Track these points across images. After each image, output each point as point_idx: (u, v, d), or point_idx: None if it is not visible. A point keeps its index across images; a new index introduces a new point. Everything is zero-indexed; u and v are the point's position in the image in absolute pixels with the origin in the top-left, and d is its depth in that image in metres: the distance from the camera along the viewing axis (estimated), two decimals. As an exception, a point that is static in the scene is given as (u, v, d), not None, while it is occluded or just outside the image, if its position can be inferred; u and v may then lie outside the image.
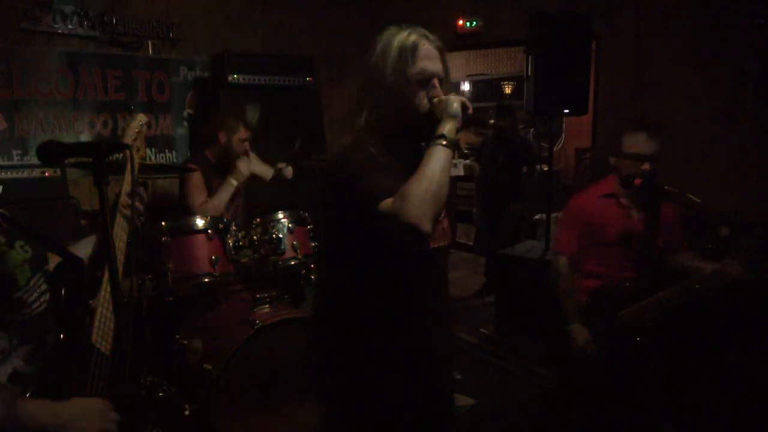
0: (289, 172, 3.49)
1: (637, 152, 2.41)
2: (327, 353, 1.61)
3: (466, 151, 6.24)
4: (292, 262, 2.98)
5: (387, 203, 1.34)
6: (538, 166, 5.09)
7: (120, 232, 1.72)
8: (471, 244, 6.66)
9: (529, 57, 3.77)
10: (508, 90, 8.03)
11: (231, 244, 2.82)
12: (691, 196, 2.35)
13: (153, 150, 4.27)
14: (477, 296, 5.20)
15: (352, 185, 1.40)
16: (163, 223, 2.74)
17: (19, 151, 3.71)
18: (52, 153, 1.26)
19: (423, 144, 1.48)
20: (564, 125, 7.03)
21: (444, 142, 1.39)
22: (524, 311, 3.82)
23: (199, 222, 2.82)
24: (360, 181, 1.39)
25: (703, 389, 2.82)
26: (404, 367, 1.51)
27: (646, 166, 2.40)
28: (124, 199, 1.77)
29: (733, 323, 2.83)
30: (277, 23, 4.87)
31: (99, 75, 4.00)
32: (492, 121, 1.58)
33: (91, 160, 1.25)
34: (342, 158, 1.50)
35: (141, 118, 2.03)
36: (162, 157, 4.33)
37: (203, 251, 2.76)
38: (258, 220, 3.02)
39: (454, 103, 1.43)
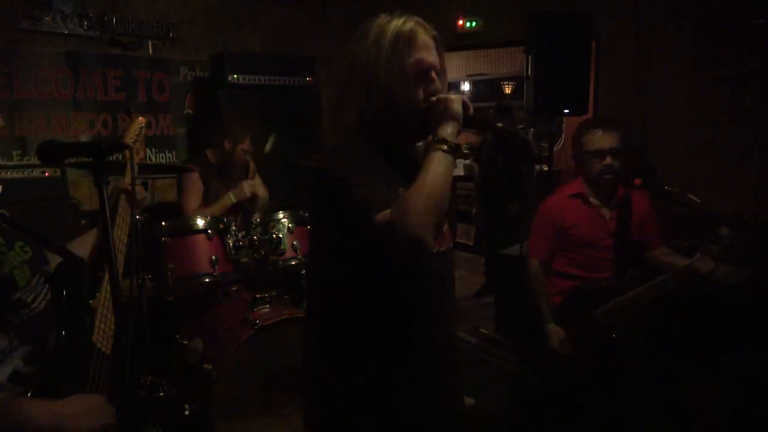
0: (248, 188, 3.34)
1: (596, 148, 2.42)
2: (320, 365, 1.46)
3: (466, 151, 6.23)
4: (292, 262, 2.98)
5: (383, 215, 1.21)
6: (537, 166, 5.09)
7: (120, 232, 1.72)
8: (471, 244, 6.66)
9: (529, 57, 3.76)
10: (508, 90, 8.03)
11: (231, 244, 2.83)
12: (691, 196, 2.35)
13: (153, 150, 4.27)
14: (477, 296, 5.20)
15: (340, 193, 1.28)
16: (163, 223, 2.75)
17: (19, 151, 3.71)
18: (52, 153, 1.26)
19: (418, 144, 1.39)
20: (564, 125, 7.02)
21: (445, 147, 1.26)
22: (524, 311, 3.82)
23: (199, 222, 2.82)
24: (350, 189, 1.26)
25: (702, 389, 2.82)
26: (405, 380, 1.38)
27: (608, 160, 2.40)
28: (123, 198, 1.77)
29: (730, 323, 2.83)
30: (277, 23, 4.87)
31: (99, 75, 4.01)
32: (500, 124, 1.42)
33: (91, 160, 1.26)
34: (329, 161, 1.37)
35: (140, 120, 2.04)
36: (162, 157, 4.33)
37: (203, 251, 2.77)
38: (258, 220, 3.02)
39: (455, 103, 1.30)
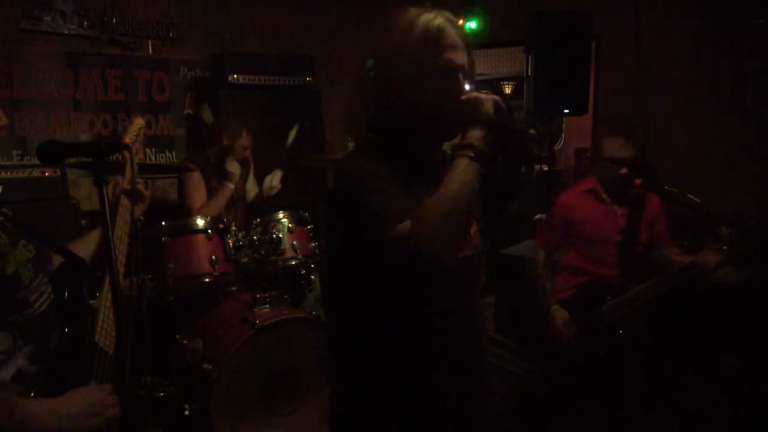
0: (275, 183, 3.40)
1: (616, 157, 2.46)
2: (341, 380, 1.37)
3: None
4: (292, 262, 2.99)
5: (402, 227, 1.12)
6: (537, 166, 5.09)
7: (120, 233, 1.72)
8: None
9: (529, 57, 3.77)
10: (508, 90, 8.01)
11: (231, 244, 2.83)
12: (691, 196, 2.36)
13: (153, 150, 4.27)
14: (477, 296, 5.19)
15: (356, 202, 1.19)
16: (163, 223, 2.75)
17: (19, 151, 3.71)
18: (52, 153, 1.27)
19: (445, 151, 1.28)
20: (564, 125, 7.02)
21: (471, 154, 1.16)
22: (524, 311, 3.82)
23: (199, 222, 2.82)
24: (366, 198, 1.17)
25: (702, 389, 2.82)
26: (428, 397, 1.28)
27: (624, 170, 2.44)
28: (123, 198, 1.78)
29: (730, 323, 2.83)
30: (277, 23, 4.86)
31: (99, 75, 4.00)
32: (533, 131, 1.36)
33: (91, 160, 1.26)
34: (344, 168, 1.29)
35: (140, 121, 2.04)
36: (162, 157, 4.32)
37: (203, 251, 2.77)
38: (258, 220, 3.02)
39: (486, 104, 1.20)
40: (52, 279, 1.39)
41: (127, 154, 1.78)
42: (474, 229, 1.37)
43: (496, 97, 1.22)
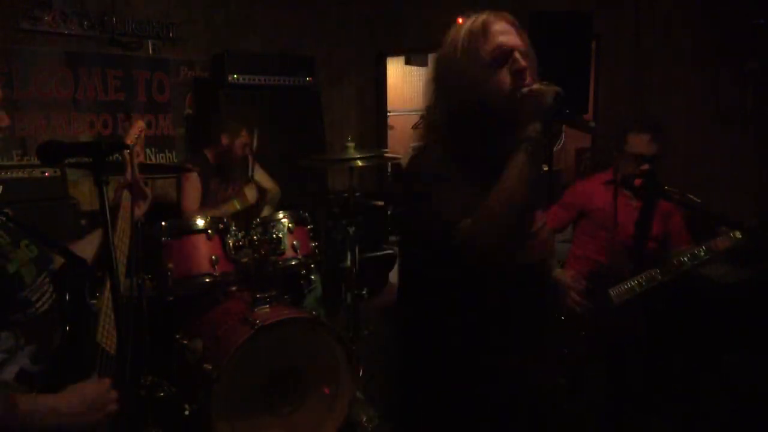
0: (251, 195, 3.36)
1: (639, 153, 2.47)
2: (414, 361, 1.41)
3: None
4: (292, 262, 2.98)
5: (464, 224, 1.16)
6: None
7: (121, 233, 1.72)
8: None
9: (529, 57, 3.77)
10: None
11: (231, 244, 2.83)
12: (691, 196, 2.36)
13: (153, 150, 4.27)
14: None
15: (422, 200, 1.25)
16: (163, 223, 2.74)
17: (19, 151, 3.71)
18: (52, 153, 1.27)
19: (516, 142, 1.24)
20: (564, 125, 7.02)
21: (530, 148, 1.17)
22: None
23: (199, 222, 2.82)
24: (431, 197, 1.22)
25: (702, 389, 2.82)
26: (490, 384, 1.31)
27: (645, 167, 2.45)
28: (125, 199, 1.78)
29: (730, 323, 2.83)
30: (277, 23, 4.86)
31: (99, 75, 4.00)
32: (593, 124, 1.36)
33: (91, 160, 1.26)
34: (411, 166, 1.35)
35: (140, 124, 2.04)
36: (162, 157, 4.32)
37: (203, 251, 2.77)
38: (258, 220, 3.02)
39: (548, 96, 1.19)
40: (54, 279, 1.40)
41: (126, 155, 1.78)
42: (545, 232, 1.38)
43: (558, 89, 1.21)
